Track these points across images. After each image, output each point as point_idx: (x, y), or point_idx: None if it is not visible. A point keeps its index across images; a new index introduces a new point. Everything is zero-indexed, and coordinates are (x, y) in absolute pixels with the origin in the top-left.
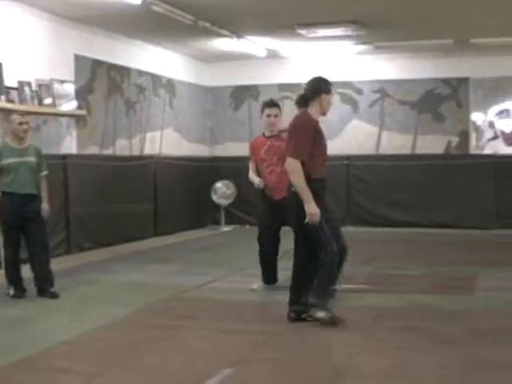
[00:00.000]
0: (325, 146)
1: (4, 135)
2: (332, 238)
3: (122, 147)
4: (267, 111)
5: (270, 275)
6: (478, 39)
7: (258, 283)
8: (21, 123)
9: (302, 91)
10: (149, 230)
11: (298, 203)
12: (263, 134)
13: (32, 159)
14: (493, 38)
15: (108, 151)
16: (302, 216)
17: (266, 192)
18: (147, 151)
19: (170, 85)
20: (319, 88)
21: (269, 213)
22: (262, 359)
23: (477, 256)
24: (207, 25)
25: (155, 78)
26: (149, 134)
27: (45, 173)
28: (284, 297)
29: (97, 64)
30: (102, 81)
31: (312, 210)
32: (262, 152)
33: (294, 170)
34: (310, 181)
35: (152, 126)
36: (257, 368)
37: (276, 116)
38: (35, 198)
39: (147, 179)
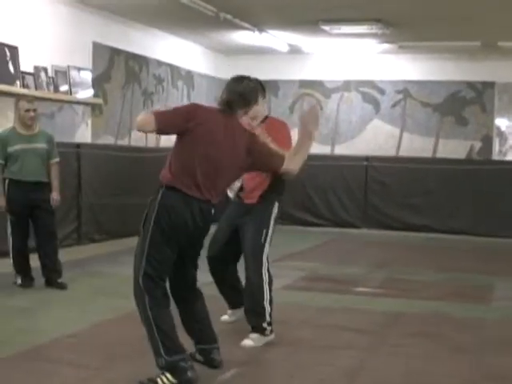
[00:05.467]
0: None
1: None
2: None
3: (138, 138)
4: None
5: None
6: (506, 42)
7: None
8: (28, 110)
9: (322, 88)
10: None
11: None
12: None
13: (41, 146)
14: None
15: (123, 142)
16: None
17: None
18: (163, 143)
19: (189, 77)
20: None
21: None
22: None
23: (494, 265)
24: (228, 17)
25: (174, 69)
26: None
27: (56, 160)
28: None
29: (115, 52)
30: (119, 70)
31: None
32: None
33: None
34: None
35: None
36: None
37: None
38: (44, 186)
39: None
